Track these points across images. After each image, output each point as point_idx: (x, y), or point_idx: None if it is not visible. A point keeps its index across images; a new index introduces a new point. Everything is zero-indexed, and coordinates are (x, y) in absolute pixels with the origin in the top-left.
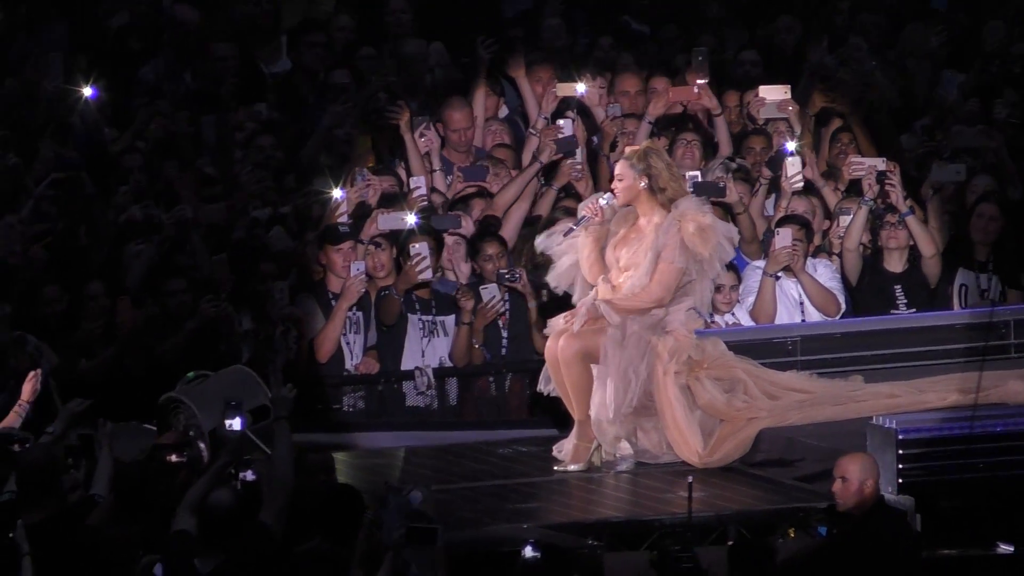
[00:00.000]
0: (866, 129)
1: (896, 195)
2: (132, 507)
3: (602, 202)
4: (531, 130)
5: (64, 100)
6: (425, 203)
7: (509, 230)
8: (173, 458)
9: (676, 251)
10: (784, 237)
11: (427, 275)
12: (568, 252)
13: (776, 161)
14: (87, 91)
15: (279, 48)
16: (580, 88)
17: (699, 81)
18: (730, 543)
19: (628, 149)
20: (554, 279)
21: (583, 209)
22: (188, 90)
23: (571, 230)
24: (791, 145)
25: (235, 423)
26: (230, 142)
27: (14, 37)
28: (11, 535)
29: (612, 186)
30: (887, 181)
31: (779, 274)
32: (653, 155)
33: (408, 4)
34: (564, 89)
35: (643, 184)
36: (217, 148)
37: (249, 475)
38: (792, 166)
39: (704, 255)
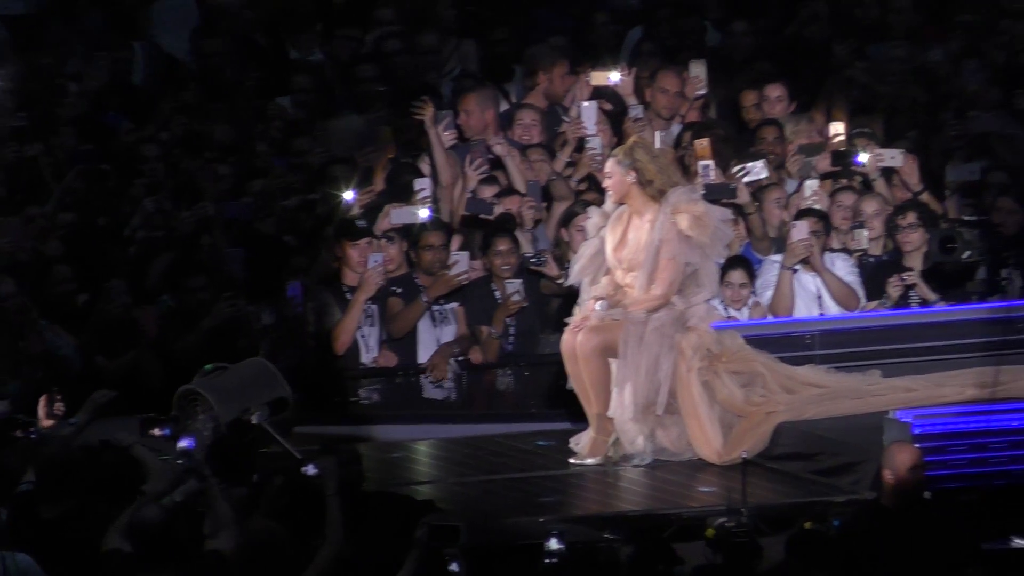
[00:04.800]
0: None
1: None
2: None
3: (598, 308)
4: (564, 118)
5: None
6: (429, 203)
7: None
8: (156, 432)
9: (674, 246)
10: (801, 230)
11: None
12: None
13: (813, 149)
14: None
15: (313, 39)
16: (614, 76)
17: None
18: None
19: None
20: (576, 274)
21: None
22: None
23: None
24: (863, 156)
25: (185, 445)
26: (254, 136)
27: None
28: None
29: (604, 185)
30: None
31: (796, 267)
32: (639, 149)
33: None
34: (597, 77)
35: (631, 179)
36: (240, 142)
37: (311, 469)
38: (809, 188)
39: (705, 242)
